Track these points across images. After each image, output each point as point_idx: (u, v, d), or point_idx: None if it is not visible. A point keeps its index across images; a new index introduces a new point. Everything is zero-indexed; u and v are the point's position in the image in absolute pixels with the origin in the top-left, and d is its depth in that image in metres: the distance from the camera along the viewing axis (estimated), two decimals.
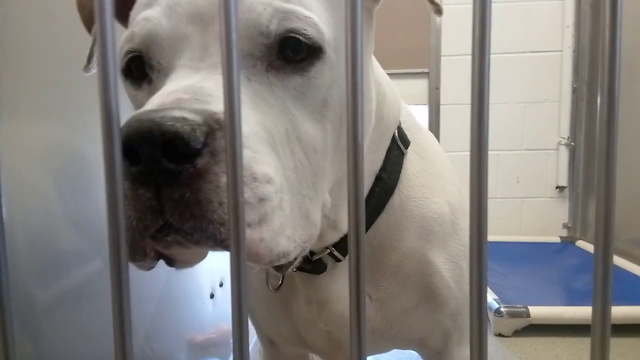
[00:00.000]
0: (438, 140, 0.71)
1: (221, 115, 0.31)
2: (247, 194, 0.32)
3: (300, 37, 0.38)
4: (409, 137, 0.59)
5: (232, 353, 0.33)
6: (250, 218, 0.32)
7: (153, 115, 0.30)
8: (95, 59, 0.46)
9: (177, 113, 0.30)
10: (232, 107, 0.23)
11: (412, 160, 0.58)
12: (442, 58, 2.55)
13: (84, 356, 0.68)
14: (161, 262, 0.39)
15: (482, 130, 0.25)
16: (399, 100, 0.59)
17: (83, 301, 0.68)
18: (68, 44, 0.64)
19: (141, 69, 0.41)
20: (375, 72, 0.52)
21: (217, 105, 0.32)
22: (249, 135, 0.34)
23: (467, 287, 0.58)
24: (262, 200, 0.33)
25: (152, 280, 0.88)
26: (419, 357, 0.68)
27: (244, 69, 0.38)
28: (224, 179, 0.30)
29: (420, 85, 2.57)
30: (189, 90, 0.34)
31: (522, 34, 2.51)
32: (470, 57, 0.24)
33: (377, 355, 1.45)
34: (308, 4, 0.39)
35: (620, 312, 1.50)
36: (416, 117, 0.64)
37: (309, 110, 0.40)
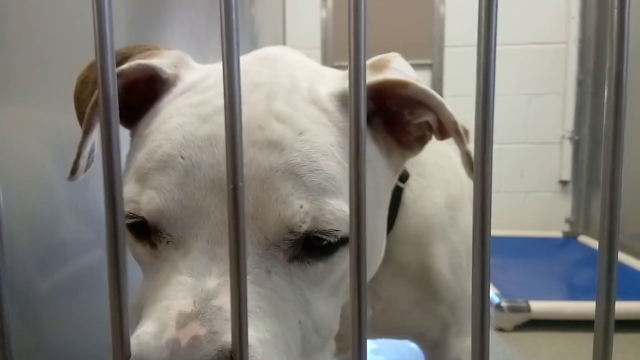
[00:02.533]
0: None
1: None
2: None
3: (330, 239, 0.36)
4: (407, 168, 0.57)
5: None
6: None
7: None
8: (79, 171, 0.42)
9: None
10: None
11: (410, 186, 0.56)
12: (446, 49, 2.53)
13: (82, 345, 0.69)
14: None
15: (487, 122, 0.25)
16: None
17: (82, 290, 0.68)
18: (67, 30, 0.64)
19: (143, 229, 0.37)
20: None
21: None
22: (266, 356, 0.32)
23: (466, 280, 0.58)
24: None
25: None
26: (419, 351, 0.68)
27: (265, 259, 0.35)
28: None
29: (423, 77, 2.54)
30: (206, 315, 0.31)
31: (527, 25, 2.49)
32: (474, 47, 0.23)
33: (379, 356, 1.45)
34: (341, 186, 0.36)
35: (622, 307, 1.49)
36: None
37: (325, 290, 0.38)
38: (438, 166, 0.59)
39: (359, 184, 0.25)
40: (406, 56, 0.48)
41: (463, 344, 0.63)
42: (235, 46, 0.24)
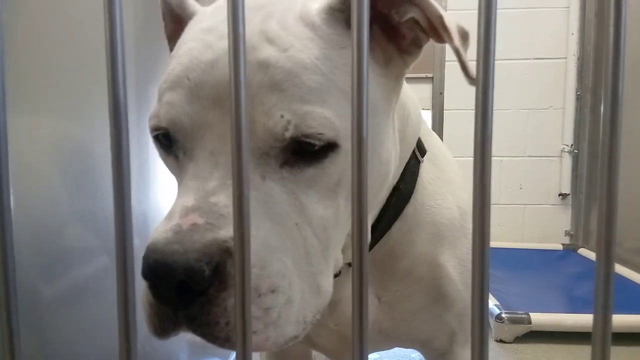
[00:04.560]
0: None
1: (231, 244, 0.34)
2: (253, 308, 0.35)
3: (315, 142, 0.39)
4: (424, 145, 0.59)
5: (233, 352, 0.34)
6: (256, 327, 0.36)
7: (169, 259, 0.34)
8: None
9: (193, 256, 0.34)
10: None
11: (426, 168, 0.59)
12: (447, 63, 2.55)
13: (87, 352, 0.69)
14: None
15: (485, 135, 0.26)
16: (419, 115, 0.59)
17: (88, 297, 0.68)
18: (77, 40, 0.65)
19: (168, 140, 0.42)
20: (401, 94, 0.52)
21: (228, 230, 0.35)
22: (258, 251, 0.36)
23: None
24: (267, 309, 0.36)
25: None
26: (421, 357, 0.68)
27: (259, 166, 0.39)
28: (230, 302, 0.35)
29: (424, 90, 2.57)
30: (204, 209, 0.36)
31: (527, 41, 2.51)
32: (475, 62, 0.24)
33: (379, 358, 1.45)
34: (325, 96, 0.39)
35: (622, 320, 1.49)
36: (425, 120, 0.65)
37: (320, 194, 0.41)
38: (446, 166, 0.62)
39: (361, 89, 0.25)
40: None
41: (468, 354, 0.63)
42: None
